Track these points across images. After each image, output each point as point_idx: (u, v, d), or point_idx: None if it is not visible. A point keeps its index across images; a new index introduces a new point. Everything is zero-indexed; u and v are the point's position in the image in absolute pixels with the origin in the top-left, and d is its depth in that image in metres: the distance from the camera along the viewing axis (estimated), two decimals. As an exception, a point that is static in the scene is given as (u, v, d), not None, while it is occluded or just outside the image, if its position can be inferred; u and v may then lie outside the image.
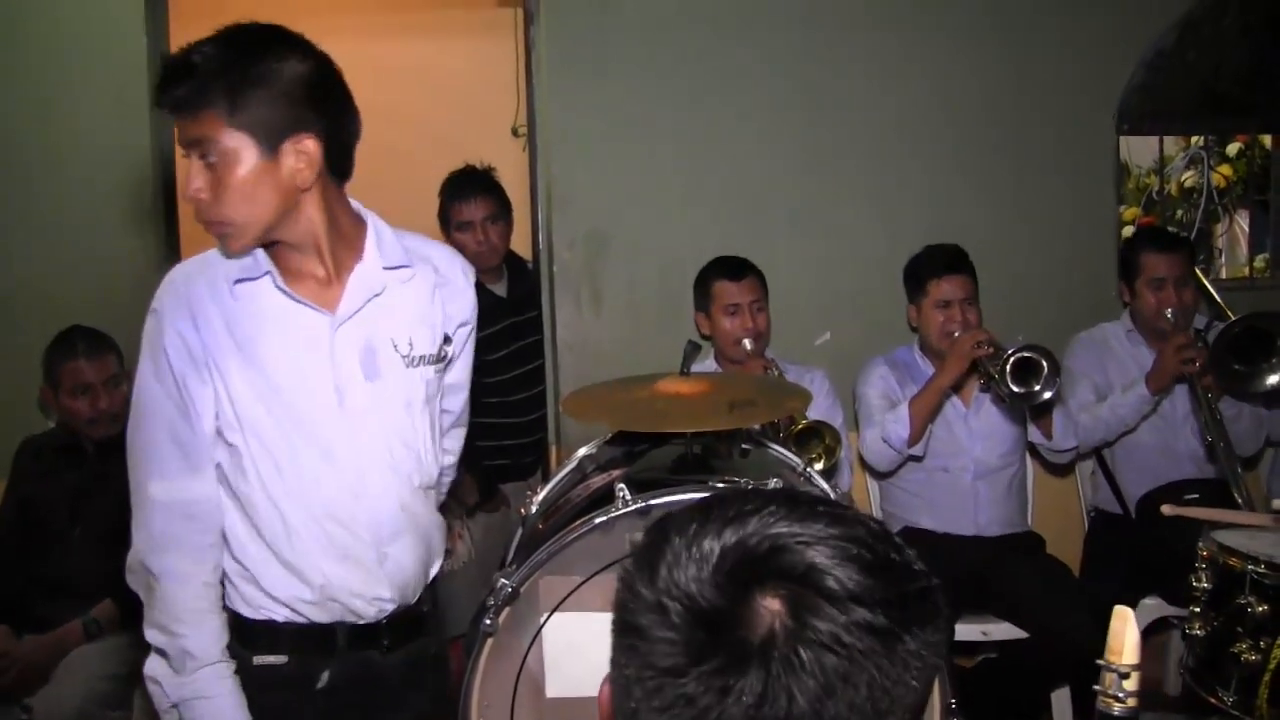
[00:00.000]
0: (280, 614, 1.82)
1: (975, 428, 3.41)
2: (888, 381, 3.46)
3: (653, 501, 1.90)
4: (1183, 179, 4.86)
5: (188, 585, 1.71)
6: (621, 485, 1.91)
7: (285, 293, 1.75)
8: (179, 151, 1.71)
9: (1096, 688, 1.13)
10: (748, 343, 3.25)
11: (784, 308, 3.52)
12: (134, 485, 1.73)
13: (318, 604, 1.82)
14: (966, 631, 3.20)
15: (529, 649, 1.96)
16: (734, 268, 3.34)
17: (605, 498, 1.97)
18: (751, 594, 0.79)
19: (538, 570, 1.93)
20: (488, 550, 3.43)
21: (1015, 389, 3.01)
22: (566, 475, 2.39)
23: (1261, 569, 2.03)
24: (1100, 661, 1.13)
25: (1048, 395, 3.02)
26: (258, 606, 1.81)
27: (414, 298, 1.89)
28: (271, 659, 1.82)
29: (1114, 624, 1.12)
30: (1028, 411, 3.33)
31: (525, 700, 1.97)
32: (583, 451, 2.45)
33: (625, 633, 0.85)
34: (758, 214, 3.76)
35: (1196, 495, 3.29)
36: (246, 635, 1.82)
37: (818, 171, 3.80)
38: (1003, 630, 3.21)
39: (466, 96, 4.69)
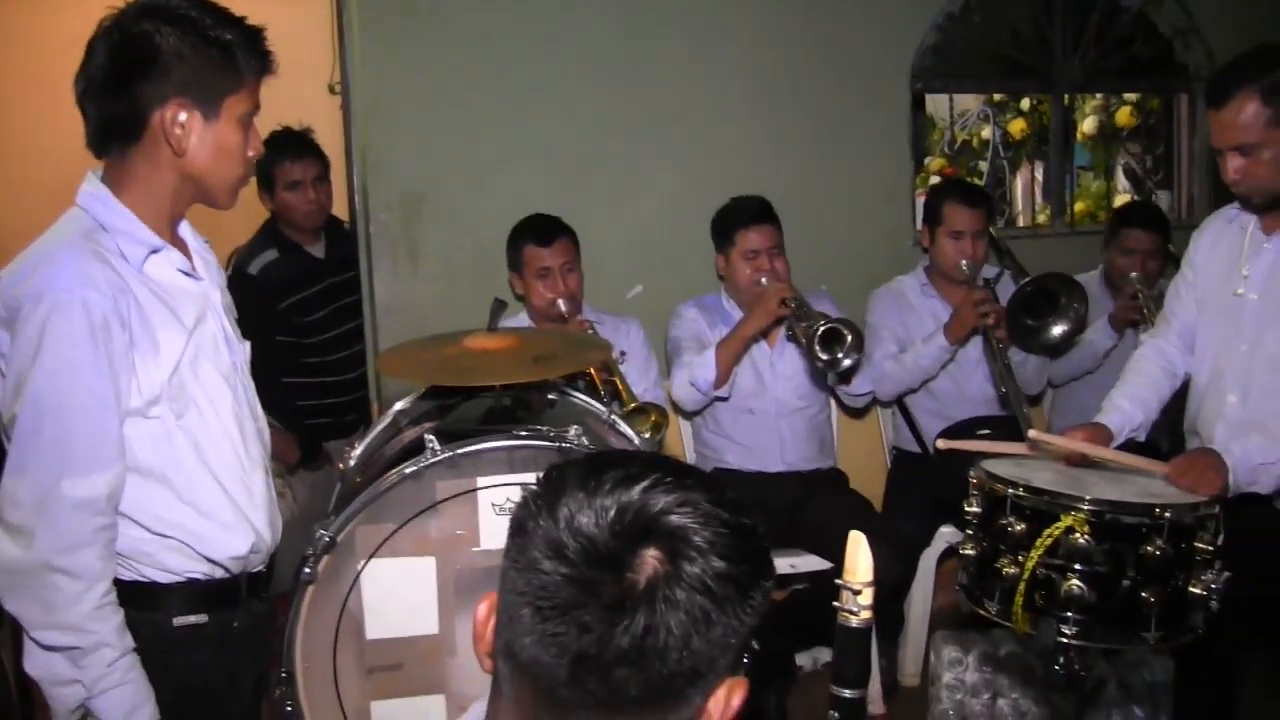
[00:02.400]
0: (201, 572, 1.84)
1: (779, 370, 3.58)
2: (698, 324, 3.61)
3: (460, 451, 2.02)
4: (981, 132, 5.18)
5: (101, 581, 1.68)
6: (430, 436, 2.01)
7: (178, 264, 1.82)
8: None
9: (835, 604, 1.28)
10: (562, 304, 3.31)
11: (598, 262, 3.61)
12: (35, 487, 1.65)
13: (243, 557, 1.87)
14: (777, 565, 3.37)
15: (348, 594, 2.05)
16: (544, 231, 3.37)
17: (416, 449, 2.07)
18: (638, 545, 0.94)
19: (353, 520, 2.03)
20: (313, 507, 3.47)
21: (822, 356, 3.18)
22: (382, 430, 2.48)
23: (1020, 492, 2.24)
24: (838, 580, 1.27)
25: (848, 363, 3.20)
26: (181, 571, 1.82)
27: (212, 262, 1.97)
28: (193, 619, 1.84)
29: (849, 548, 1.25)
30: None
31: (347, 643, 2.08)
32: (398, 406, 2.54)
33: (519, 561, 0.97)
34: (571, 173, 3.83)
35: (988, 431, 3.54)
36: (162, 601, 1.82)
37: (630, 132, 3.89)
38: (809, 562, 3.42)
39: (280, 50, 4.61)
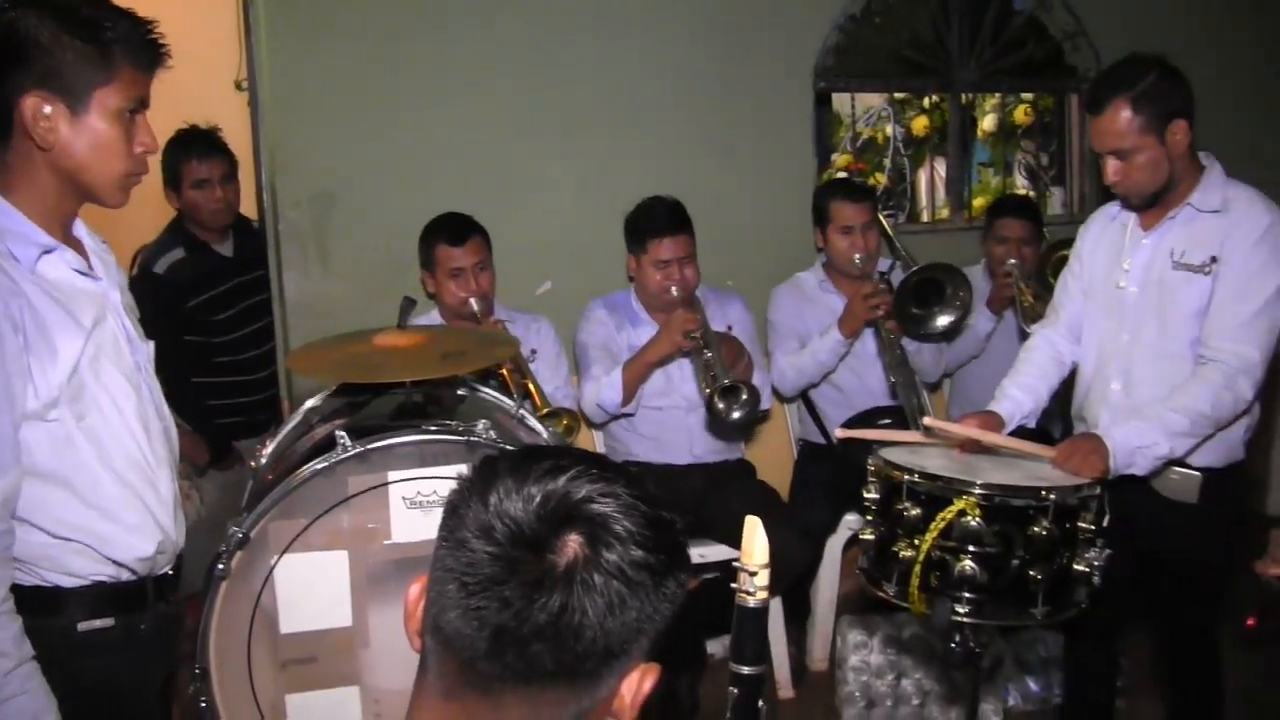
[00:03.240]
0: (107, 574, 1.82)
1: (687, 369, 3.62)
2: (606, 328, 3.65)
3: (371, 446, 2.05)
4: (885, 129, 5.30)
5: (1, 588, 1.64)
6: (342, 433, 2.05)
7: (74, 264, 1.79)
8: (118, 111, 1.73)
9: (733, 585, 1.34)
10: (474, 303, 3.32)
11: (508, 259, 3.62)
12: None
13: (149, 558, 1.86)
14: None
15: (262, 589, 2.07)
16: (456, 231, 3.37)
17: (328, 445, 2.10)
18: (561, 529, 0.99)
19: (266, 516, 2.06)
20: (225, 507, 3.45)
21: (719, 406, 3.23)
22: (294, 427, 2.50)
23: (915, 478, 2.34)
24: (735, 563, 1.34)
25: (738, 415, 3.26)
26: (86, 575, 1.80)
27: (111, 262, 1.96)
28: (98, 623, 1.82)
29: (745, 532, 1.30)
30: None
31: (261, 638, 2.10)
32: (309, 404, 2.56)
33: (450, 540, 1.02)
34: (481, 171, 3.85)
35: (889, 420, 3.65)
36: (65, 605, 1.79)
37: (539, 130, 3.92)
38: (719, 552, 3.49)
39: (185, 47, 4.53)
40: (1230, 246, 2.55)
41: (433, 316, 3.49)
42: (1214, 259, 2.56)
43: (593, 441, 3.82)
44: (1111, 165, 2.60)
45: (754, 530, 1.29)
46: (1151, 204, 2.65)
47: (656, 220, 3.53)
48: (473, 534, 1.00)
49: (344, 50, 3.70)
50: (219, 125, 3.70)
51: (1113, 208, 2.81)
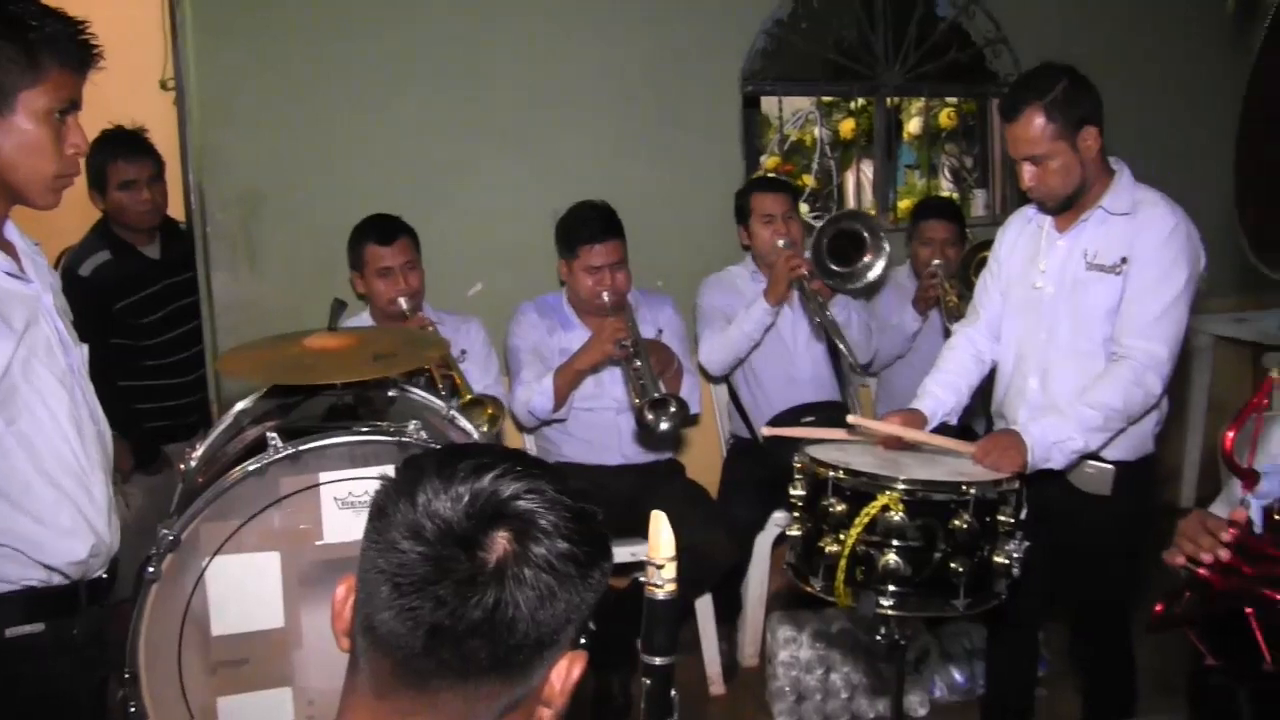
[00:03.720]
0: (38, 579, 1.81)
1: (616, 372, 3.64)
2: (537, 331, 3.66)
3: (302, 448, 2.06)
4: (813, 131, 5.37)
5: None
6: (273, 434, 2.05)
7: (5, 267, 1.79)
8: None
9: (641, 578, 1.37)
10: (403, 302, 3.34)
11: (439, 260, 3.65)
12: None
13: (82, 562, 1.84)
14: (617, 554, 3.46)
15: (193, 592, 2.07)
16: (385, 231, 3.39)
17: (259, 447, 2.10)
18: (490, 527, 1.02)
19: (197, 518, 2.05)
20: (154, 512, 3.41)
21: (648, 417, 3.22)
22: (224, 430, 2.49)
23: (840, 474, 2.38)
24: (643, 558, 1.37)
25: (665, 427, 3.25)
26: (16, 580, 1.79)
27: (43, 264, 1.95)
28: (28, 629, 1.81)
29: (651, 526, 1.34)
30: None
31: (192, 641, 2.09)
32: (239, 406, 2.55)
33: (379, 542, 1.04)
34: (411, 172, 3.86)
35: (813, 418, 3.70)
36: None
37: (468, 131, 3.95)
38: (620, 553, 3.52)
39: (108, 44, 4.43)
40: (1139, 248, 2.64)
41: (363, 318, 3.49)
42: (1124, 260, 2.65)
43: (523, 444, 3.84)
44: (1027, 170, 2.68)
45: (659, 524, 1.33)
46: (1066, 207, 2.73)
47: (587, 226, 3.54)
48: (402, 535, 1.01)
49: (273, 51, 3.70)
50: (144, 125, 3.66)
51: (1029, 210, 2.90)
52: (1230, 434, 1.86)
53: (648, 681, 1.37)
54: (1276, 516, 1.85)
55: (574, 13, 4.05)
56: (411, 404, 2.58)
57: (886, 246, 3.69)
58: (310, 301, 3.44)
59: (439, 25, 3.88)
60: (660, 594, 1.32)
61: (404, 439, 2.15)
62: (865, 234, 3.69)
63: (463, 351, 3.55)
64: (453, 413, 2.51)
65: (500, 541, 1.01)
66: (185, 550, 2.06)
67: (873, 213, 4.82)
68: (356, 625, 1.06)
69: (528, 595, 1.01)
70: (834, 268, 3.69)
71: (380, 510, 1.05)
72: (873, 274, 3.72)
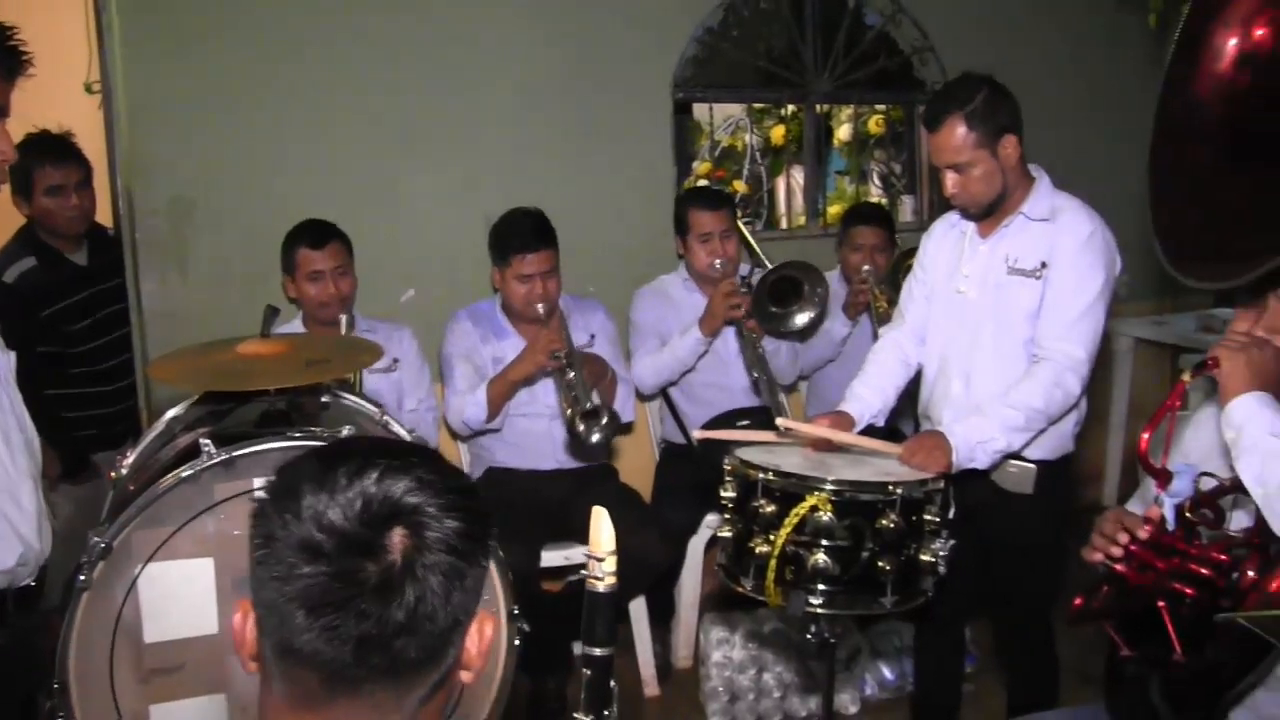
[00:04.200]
0: None
1: (550, 381, 3.66)
2: (470, 340, 3.67)
3: (236, 454, 2.06)
4: (745, 138, 5.43)
5: None
6: (206, 440, 2.05)
7: None
8: None
9: (584, 572, 1.40)
10: (335, 307, 3.35)
11: (371, 267, 3.64)
12: None
13: (9, 571, 1.83)
14: (551, 558, 3.50)
15: (125, 599, 2.06)
16: (317, 235, 3.39)
17: (191, 454, 2.10)
18: (385, 528, 1.02)
19: (130, 525, 2.04)
20: (81, 521, 3.36)
21: (579, 429, 3.27)
22: (156, 437, 2.48)
23: (770, 476, 2.43)
24: (585, 552, 1.40)
25: (597, 439, 3.31)
26: None
27: None
28: None
29: (592, 522, 1.37)
30: None
31: (124, 648, 2.08)
32: (171, 413, 2.54)
33: (276, 568, 1.02)
34: (345, 178, 3.85)
35: (748, 421, 3.75)
36: None
37: (402, 138, 3.94)
38: (582, 555, 3.54)
39: (31, 46, 4.34)
40: (1058, 253, 2.72)
41: (295, 325, 3.48)
42: (1044, 264, 2.73)
43: (457, 451, 3.85)
44: (950, 179, 2.75)
45: (599, 519, 1.36)
46: (988, 214, 2.81)
47: (520, 235, 3.55)
48: (300, 556, 1.01)
49: (203, 55, 3.65)
50: (70, 130, 3.62)
51: (953, 216, 2.97)
52: (1145, 435, 1.93)
53: (588, 672, 1.41)
54: (1188, 514, 1.93)
55: (505, 19, 4.05)
56: (345, 409, 2.59)
57: (819, 300, 3.74)
58: (241, 308, 3.40)
59: (369, 31, 3.86)
60: (601, 587, 1.36)
61: (338, 444, 2.15)
62: (805, 286, 3.73)
63: (395, 360, 3.56)
64: (386, 418, 2.52)
65: (398, 539, 1.02)
66: (117, 558, 2.04)
67: (803, 218, 4.89)
68: (268, 649, 1.06)
69: (439, 581, 1.03)
70: (771, 309, 3.74)
71: (266, 534, 1.04)
72: (799, 322, 3.78)
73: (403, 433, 2.52)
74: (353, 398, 2.69)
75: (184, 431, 2.39)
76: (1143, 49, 4.55)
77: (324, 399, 2.55)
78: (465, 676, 1.12)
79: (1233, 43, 1.95)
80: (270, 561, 1.02)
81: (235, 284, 3.70)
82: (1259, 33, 1.93)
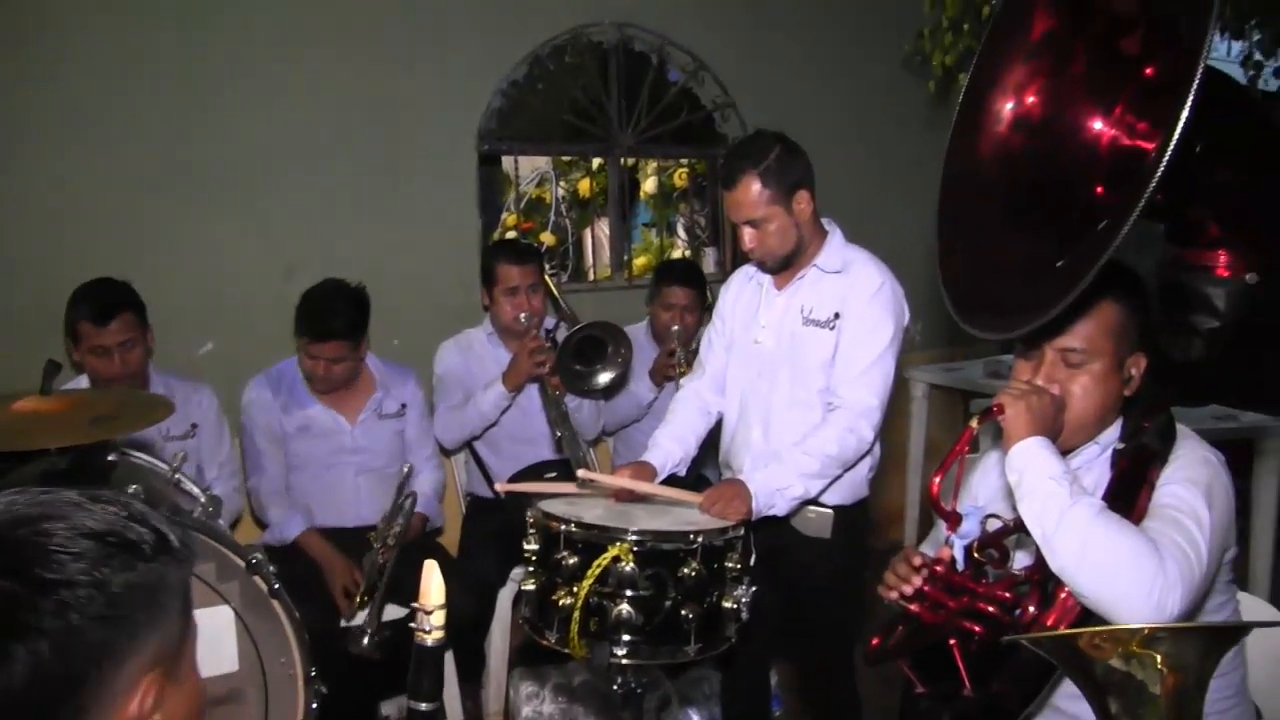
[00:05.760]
0: None
1: (359, 440, 3.64)
2: (270, 412, 3.57)
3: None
4: (555, 191, 5.47)
5: None
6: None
7: None
8: None
9: (412, 625, 1.38)
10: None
11: (170, 318, 3.51)
12: None
13: None
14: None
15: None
16: (100, 310, 3.17)
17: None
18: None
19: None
20: None
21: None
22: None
23: (572, 527, 2.42)
24: (414, 605, 1.39)
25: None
26: None
27: None
28: None
29: (423, 575, 1.38)
30: None
31: None
32: (-58, 475, 2.37)
33: None
34: (136, 228, 3.71)
35: (555, 474, 3.74)
36: None
37: (198, 188, 3.82)
38: (389, 611, 3.46)
39: None
40: (850, 304, 2.82)
41: (81, 381, 3.29)
42: (837, 315, 2.83)
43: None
44: (747, 234, 2.83)
45: (430, 573, 1.37)
46: (785, 266, 2.89)
47: (319, 323, 3.46)
48: None
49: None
50: None
51: (750, 268, 3.05)
52: (936, 480, 2.00)
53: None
54: (976, 555, 2.01)
55: (306, 67, 3.99)
56: (134, 468, 2.47)
57: (622, 361, 3.76)
58: (22, 364, 3.21)
59: (160, 74, 3.74)
60: (429, 640, 1.35)
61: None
62: (609, 346, 3.76)
63: (193, 426, 3.42)
64: (178, 476, 2.41)
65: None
66: None
67: (608, 271, 4.94)
68: None
69: (77, 600, 0.97)
70: (575, 367, 3.75)
71: None
72: (602, 381, 3.79)
73: (196, 491, 2.42)
74: (143, 456, 2.57)
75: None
76: (921, 111, 4.80)
77: (111, 457, 2.43)
78: None
79: (1009, 107, 2.06)
80: None
81: (12, 338, 3.49)
82: (1030, 99, 2.05)
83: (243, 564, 2.30)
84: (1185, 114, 1.37)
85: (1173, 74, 1.54)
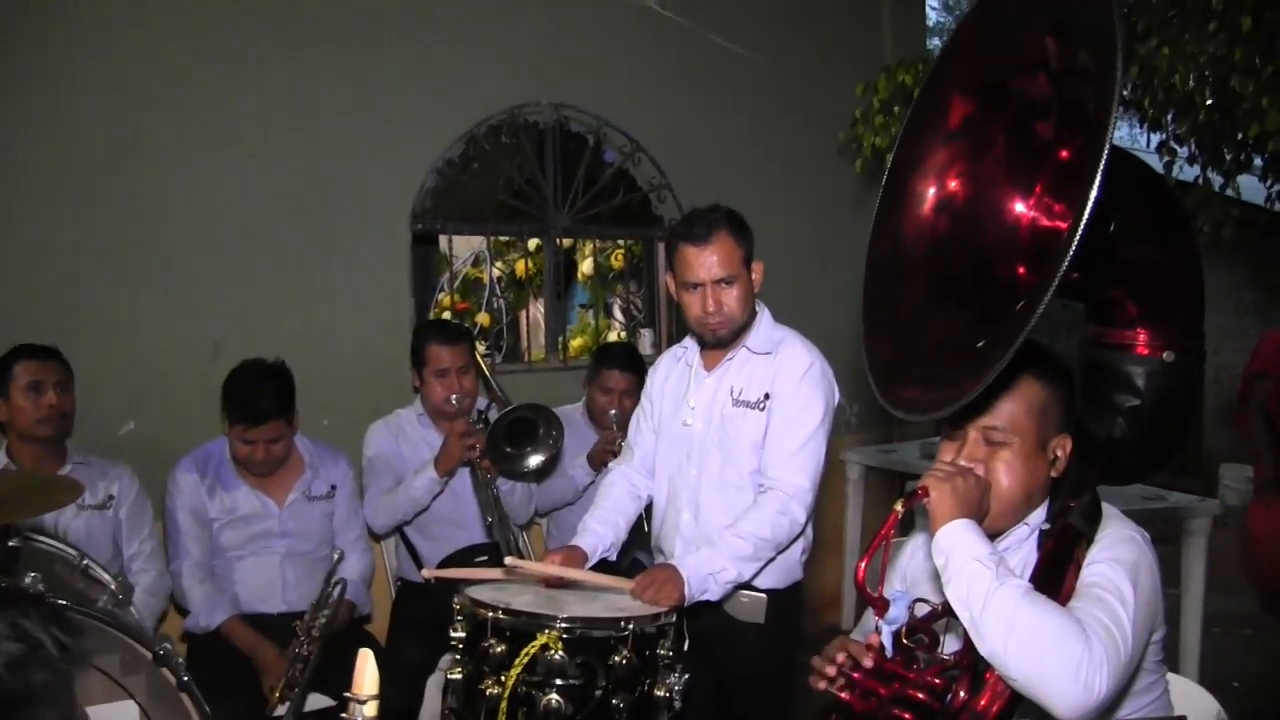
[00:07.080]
0: None
1: (288, 524, 3.55)
2: (196, 495, 3.48)
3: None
4: (490, 271, 5.45)
5: None
6: None
7: None
8: None
9: (343, 715, 1.36)
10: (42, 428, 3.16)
11: (92, 395, 3.44)
12: None
13: None
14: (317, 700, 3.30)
15: None
16: (37, 349, 3.22)
17: None
18: None
19: None
20: None
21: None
22: None
23: (500, 614, 2.37)
24: (346, 695, 1.36)
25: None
26: None
27: None
28: None
29: (357, 663, 1.35)
30: None
31: None
32: None
33: None
34: (57, 299, 3.65)
35: (485, 558, 3.67)
36: None
37: (128, 262, 3.77)
38: (313, 701, 3.35)
39: None
40: (779, 385, 2.81)
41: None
42: (767, 396, 2.81)
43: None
44: (714, 295, 2.79)
45: (365, 661, 1.36)
46: (732, 339, 2.86)
47: (251, 406, 3.39)
48: None
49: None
50: None
51: (678, 349, 3.03)
52: (862, 565, 1.97)
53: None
54: (905, 640, 1.97)
55: (241, 142, 3.96)
56: (37, 554, 2.38)
57: (554, 443, 3.71)
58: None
59: (93, 150, 3.70)
60: None
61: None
62: (540, 428, 3.71)
63: (110, 497, 3.33)
64: (86, 562, 2.32)
65: None
66: None
67: (543, 353, 4.92)
68: None
69: None
70: (506, 449, 3.70)
71: None
72: (533, 463, 3.73)
73: (105, 578, 2.33)
74: (49, 541, 2.47)
75: None
76: (846, 193, 4.86)
77: (12, 543, 2.34)
78: None
79: (931, 191, 2.08)
80: None
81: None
82: (952, 184, 2.07)
83: (150, 655, 2.21)
84: (1093, 194, 1.38)
85: (1084, 156, 1.55)
